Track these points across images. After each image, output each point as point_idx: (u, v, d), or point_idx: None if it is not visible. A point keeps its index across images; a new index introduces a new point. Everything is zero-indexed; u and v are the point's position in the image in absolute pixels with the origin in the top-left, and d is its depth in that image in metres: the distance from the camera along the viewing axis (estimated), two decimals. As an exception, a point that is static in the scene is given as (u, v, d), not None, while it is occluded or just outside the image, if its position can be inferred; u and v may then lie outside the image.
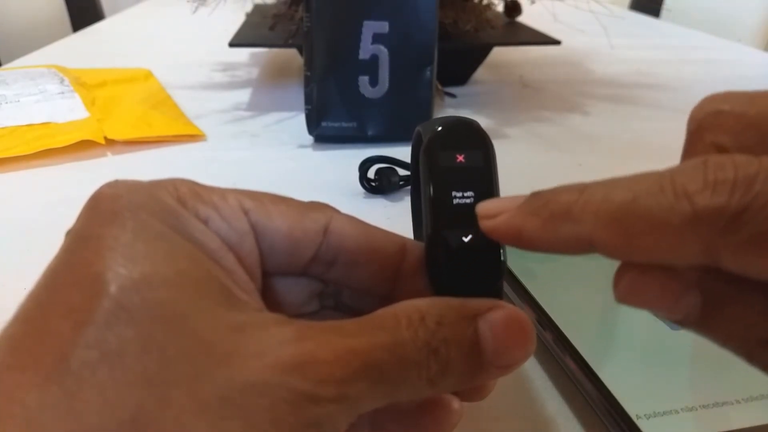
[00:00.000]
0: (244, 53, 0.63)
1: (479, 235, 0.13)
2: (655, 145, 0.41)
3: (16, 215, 0.31)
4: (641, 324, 0.21)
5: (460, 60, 0.52)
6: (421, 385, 0.12)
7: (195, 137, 0.40)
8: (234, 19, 0.57)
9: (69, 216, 0.12)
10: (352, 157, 0.36)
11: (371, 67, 0.37)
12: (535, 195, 0.12)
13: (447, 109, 0.47)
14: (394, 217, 0.31)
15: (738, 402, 0.17)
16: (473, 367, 0.12)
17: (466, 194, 0.14)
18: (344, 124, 0.38)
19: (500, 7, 0.59)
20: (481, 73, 0.55)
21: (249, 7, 0.61)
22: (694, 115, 0.13)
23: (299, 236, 0.14)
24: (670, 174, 0.10)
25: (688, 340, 0.20)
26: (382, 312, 0.12)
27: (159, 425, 0.10)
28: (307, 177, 0.36)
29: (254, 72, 0.57)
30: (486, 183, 0.14)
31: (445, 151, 0.14)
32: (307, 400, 0.10)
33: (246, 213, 0.13)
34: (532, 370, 0.21)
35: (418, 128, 0.15)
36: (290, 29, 0.47)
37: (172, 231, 0.12)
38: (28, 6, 0.95)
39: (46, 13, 0.97)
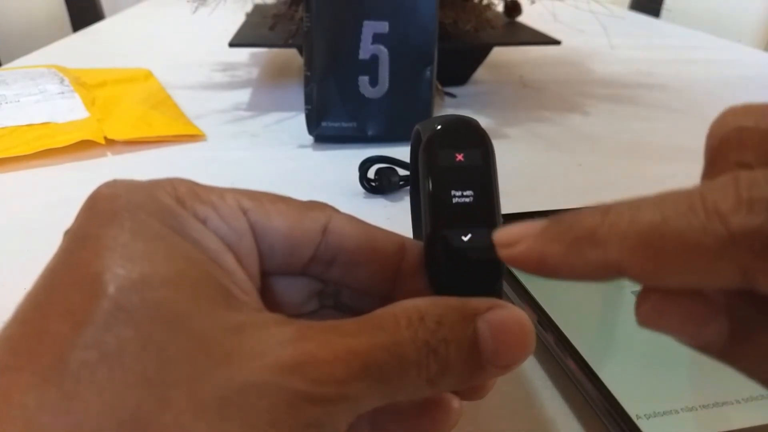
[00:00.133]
0: (244, 53, 0.63)
1: (478, 235, 0.13)
2: (654, 145, 0.41)
3: (16, 215, 0.31)
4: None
5: (460, 60, 0.52)
6: (420, 384, 0.12)
7: (195, 137, 0.40)
8: (234, 19, 0.57)
9: (69, 216, 0.12)
10: (352, 157, 0.36)
11: (371, 67, 0.37)
12: (556, 220, 0.11)
13: (447, 109, 0.47)
14: (394, 217, 0.31)
15: (738, 402, 0.17)
16: (473, 366, 0.12)
17: (465, 193, 0.14)
18: (344, 124, 0.38)
19: (500, 7, 0.59)
20: (481, 73, 0.55)
21: (249, 7, 0.61)
22: (714, 132, 0.12)
23: (298, 236, 0.14)
24: (700, 192, 0.09)
25: (688, 340, 0.20)
26: (381, 312, 0.12)
27: (158, 426, 0.09)
28: (307, 177, 0.36)
29: (254, 72, 0.57)
30: (485, 182, 0.14)
31: (444, 150, 0.14)
32: (306, 400, 0.10)
33: (245, 213, 0.13)
34: (532, 370, 0.21)
35: (417, 127, 0.15)
36: (290, 29, 0.47)
37: (170, 231, 0.12)
38: (28, 6, 0.95)
39: (46, 13, 0.97)
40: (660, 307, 0.10)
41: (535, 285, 0.23)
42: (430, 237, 0.14)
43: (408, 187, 0.33)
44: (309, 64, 0.37)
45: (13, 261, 0.26)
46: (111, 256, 0.11)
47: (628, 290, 0.23)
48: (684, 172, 0.37)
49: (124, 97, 0.46)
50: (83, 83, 0.46)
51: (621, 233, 0.10)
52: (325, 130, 0.39)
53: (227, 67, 0.58)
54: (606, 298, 0.23)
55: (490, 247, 0.13)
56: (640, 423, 0.17)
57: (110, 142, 0.38)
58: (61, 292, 0.11)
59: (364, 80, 0.38)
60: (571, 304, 0.22)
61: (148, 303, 0.10)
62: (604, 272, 0.10)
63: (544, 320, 0.21)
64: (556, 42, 0.51)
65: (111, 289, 0.10)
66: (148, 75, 0.52)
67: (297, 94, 0.48)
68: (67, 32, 0.86)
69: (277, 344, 0.11)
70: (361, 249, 0.14)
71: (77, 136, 0.37)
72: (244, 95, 0.50)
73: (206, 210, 0.13)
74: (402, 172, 0.33)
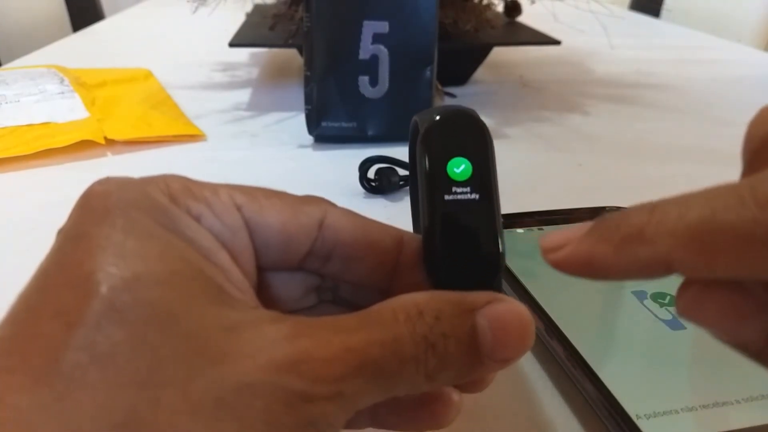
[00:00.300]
0: (244, 53, 0.63)
1: (477, 228, 0.13)
2: (655, 145, 0.41)
3: (16, 215, 0.31)
4: (641, 324, 0.21)
5: (460, 60, 0.52)
6: (419, 380, 0.12)
7: (195, 137, 0.40)
8: (234, 19, 0.57)
9: (69, 216, 0.12)
10: (352, 157, 0.36)
11: (371, 67, 0.37)
12: (602, 221, 0.11)
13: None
14: (394, 217, 0.31)
15: (738, 402, 0.17)
16: (472, 361, 0.12)
17: (463, 186, 0.13)
18: (344, 124, 0.38)
19: (500, 7, 0.59)
20: (481, 73, 0.55)
21: (249, 7, 0.61)
22: (754, 132, 0.12)
23: (294, 231, 0.14)
24: (750, 185, 0.10)
25: (688, 340, 0.20)
26: (379, 307, 0.12)
27: (151, 427, 0.09)
28: (307, 177, 0.35)
29: (254, 72, 0.57)
30: (484, 174, 0.14)
31: (442, 141, 0.14)
32: (302, 399, 0.10)
33: (239, 209, 0.13)
34: (532, 369, 0.21)
35: (415, 118, 0.15)
36: (290, 29, 0.47)
37: (163, 229, 0.12)
38: (28, 6, 0.95)
39: (46, 12, 0.97)
40: (700, 299, 0.11)
41: (535, 285, 0.23)
42: (428, 230, 0.13)
43: (408, 187, 0.33)
44: (309, 64, 0.37)
45: (12, 261, 0.26)
46: (103, 256, 0.11)
47: (628, 290, 0.23)
48: (684, 172, 0.37)
49: (124, 97, 0.46)
50: (83, 83, 0.46)
51: (670, 229, 0.10)
52: (325, 130, 0.39)
53: (227, 67, 0.58)
54: (606, 298, 0.23)
55: (489, 240, 0.13)
56: (640, 423, 0.17)
57: (110, 142, 0.38)
58: (53, 293, 0.11)
59: (364, 80, 0.38)
60: (571, 304, 0.22)
61: (140, 303, 0.10)
62: (654, 269, 0.10)
63: (543, 320, 0.21)
64: (556, 42, 0.51)
65: (103, 289, 0.10)
66: (148, 75, 0.52)
67: (297, 94, 0.48)
68: (67, 32, 0.86)
69: (272, 342, 0.11)
70: (358, 243, 0.14)
71: (77, 136, 0.37)
72: (244, 95, 0.50)
73: (200, 207, 0.13)
74: (402, 172, 0.33)
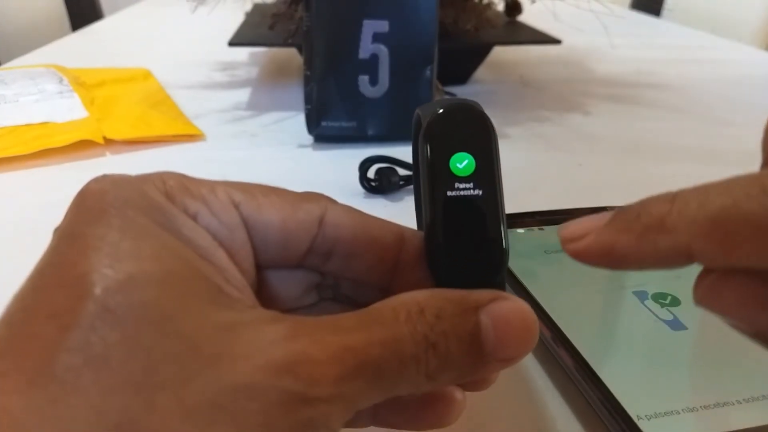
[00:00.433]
0: (243, 53, 0.62)
1: (481, 224, 0.13)
2: (656, 145, 0.41)
3: (15, 216, 0.30)
4: (642, 324, 0.21)
5: (461, 59, 0.52)
6: (420, 379, 0.11)
7: (194, 137, 0.40)
8: (233, 19, 0.57)
9: (68, 217, 0.12)
10: (351, 156, 0.36)
11: (371, 66, 0.37)
12: (622, 211, 0.11)
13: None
14: (395, 217, 0.31)
15: (739, 402, 0.17)
16: (474, 360, 0.12)
17: (467, 181, 0.13)
18: (344, 124, 0.38)
19: (500, 7, 0.59)
20: (481, 72, 0.55)
21: (248, 7, 0.61)
22: None
23: (293, 228, 0.13)
24: None
25: (689, 340, 0.20)
26: (380, 305, 0.12)
27: (145, 431, 0.09)
28: (307, 177, 0.35)
29: (254, 71, 0.57)
30: (488, 169, 0.13)
31: (445, 136, 0.13)
32: (299, 401, 0.10)
33: (236, 206, 0.13)
34: (533, 370, 0.21)
35: (418, 111, 0.15)
36: (290, 28, 0.47)
37: (159, 228, 0.12)
38: (27, 5, 0.95)
39: (45, 12, 0.97)
40: (719, 287, 0.11)
41: (536, 285, 0.23)
42: (430, 227, 0.13)
43: (408, 187, 0.33)
44: (309, 63, 0.37)
45: (10, 261, 0.26)
46: (97, 256, 0.11)
47: (629, 291, 0.23)
48: (685, 171, 0.37)
49: (123, 96, 0.45)
50: (82, 83, 0.46)
51: (691, 218, 0.10)
52: (324, 130, 0.38)
53: (226, 67, 0.58)
54: (607, 298, 0.23)
55: (493, 237, 0.13)
56: (641, 424, 0.16)
57: (109, 142, 0.38)
58: (47, 294, 0.10)
59: (364, 80, 0.38)
60: (572, 304, 0.22)
61: (134, 304, 0.10)
62: (675, 258, 0.11)
63: (544, 320, 0.21)
64: (557, 41, 0.51)
65: (97, 290, 0.10)
66: (147, 74, 0.52)
67: (296, 93, 0.47)
68: (66, 32, 0.86)
69: (269, 343, 0.11)
70: (359, 240, 0.14)
71: (76, 135, 0.37)
72: (243, 95, 0.50)
73: (196, 205, 0.13)
74: (402, 171, 0.33)
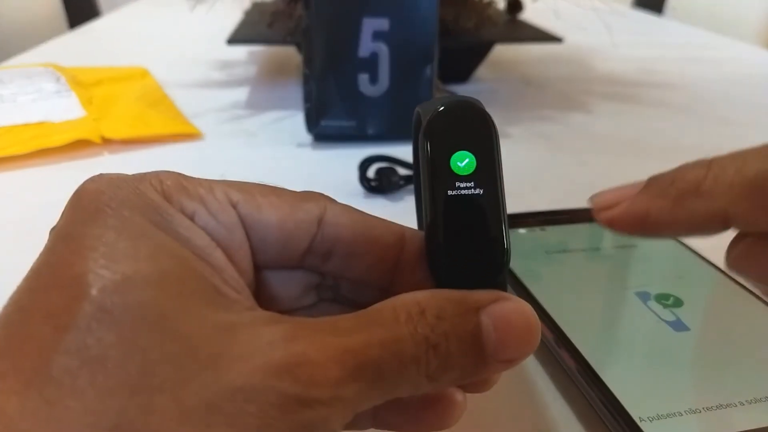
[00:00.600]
0: (242, 51, 0.62)
1: (482, 224, 0.13)
2: (658, 144, 0.41)
3: (12, 216, 0.30)
4: (644, 326, 0.21)
5: (462, 58, 0.52)
6: (420, 381, 0.11)
7: (192, 136, 0.40)
8: (232, 18, 0.56)
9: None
10: (351, 156, 0.35)
11: (371, 64, 0.37)
12: (656, 178, 0.12)
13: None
14: (395, 217, 0.30)
15: (742, 404, 0.17)
16: (475, 361, 0.12)
17: (468, 180, 0.13)
18: (344, 123, 0.38)
19: (501, 5, 0.59)
20: (482, 71, 0.55)
21: (247, 5, 0.60)
22: None
23: (292, 228, 0.13)
24: None
25: (691, 341, 0.20)
26: (380, 306, 0.12)
27: None
28: (306, 177, 0.35)
29: (252, 70, 0.57)
30: (489, 167, 0.13)
31: (445, 134, 0.13)
32: (298, 403, 0.10)
33: (234, 206, 0.13)
34: (534, 371, 0.20)
35: (418, 109, 0.14)
36: (289, 27, 0.47)
37: (155, 228, 0.11)
38: (25, 4, 0.95)
39: (42, 10, 0.97)
40: (753, 252, 0.11)
41: (538, 287, 0.22)
42: (431, 226, 0.13)
43: (409, 187, 0.33)
44: (308, 61, 0.37)
45: (8, 261, 0.26)
46: (94, 257, 0.10)
47: (631, 291, 0.22)
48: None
49: (121, 95, 0.45)
50: (80, 82, 0.46)
51: (728, 183, 0.10)
52: (324, 129, 0.38)
53: (225, 66, 0.58)
54: (610, 299, 0.23)
55: (494, 236, 0.13)
56: (643, 425, 0.16)
57: (107, 141, 0.38)
58: (43, 295, 0.10)
59: (363, 78, 0.37)
60: (574, 305, 0.21)
61: (131, 305, 0.10)
62: (710, 223, 0.11)
63: (546, 322, 0.21)
64: (559, 40, 0.51)
65: (93, 291, 0.10)
66: (145, 73, 0.52)
67: (296, 92, 0.47)
68: (63, 30, 0.86)
69: (267, 345, 0.10)
70: (359, 239, 0.14)
71: (73, 135, 0.37)
72: (242, 94, 0.50)
73: (194, 205, 0.12)
74: (402, 171, 0.33)
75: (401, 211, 0.31)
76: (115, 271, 0.10)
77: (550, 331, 0.20)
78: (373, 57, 0.37)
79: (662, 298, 0.22)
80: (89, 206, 0.11)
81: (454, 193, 0.13)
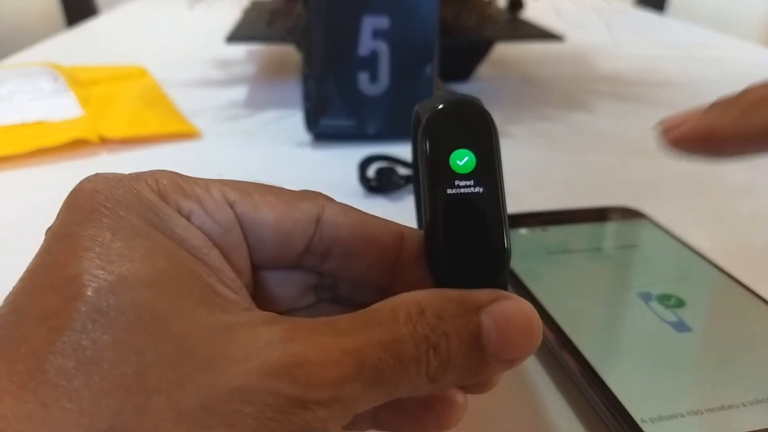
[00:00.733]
0: (241, 50, 0.62)
1: (482, 223, 0.13)
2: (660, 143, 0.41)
3: (10, 216, 0.30)
4: (646, 327, 0.21)
5: (462, 56, 0.51)
6: (420, 382, 0.11)
7: (191, 135, 0.40)
8: (230, 16, 0.56)
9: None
10: (351, 155, 0.35)
11: (371, 63, 0.37)
12: (720, 99, 0.12)
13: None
14: (395, 217, 0.30)
15: (744, 405, 0.17)
16: (476, 361, 0.12)
17: (467, 179, 0.13)
18: (343, 122, 0.38)
19: (502, 3, 0.59)
20: (483, 69, 0.54)
21: (246, 4, 0.60)
22: None
23: (289, 228, 0.13)
24: None
25: (693, 342, 0.20)
26: (379, 306, 0.12)
27: None
28: (305, 176, 0.35)
29: (251, 69, 0.57)
30: (489, 166, 0.13)
31: (444, 133, 0.13)
32: (295, 405, 0.10)
33: (231, 205, 0.13)
34: (535, 372, 0.20)
35: (417, 107, 0.14)
36: (288, 25, 0.47)
37: (151, 228, 0.11)
38: (22, 2, 0.94)
39: (39, 8, 0.97)
40: None
41: (539, 287, 0.22)
42: (430, 225, 0.13)
43: (409, 187, 0.33)
44: (307, 60, 0.37)
45: (6, 262, 0.26)
46: (89, 257, 0.10)
47: (633, 292, 0.22)
48: (690, 169, 0.36)
49: (119, 94, 0.45)
50: (78, 81, 0.45)
51: None
52: (323, 128, 0.38)
53: (223, 64, 0.58)
54: (611, 300, 0.22)
55: (494, 235, 0.13)
56: (644, 427, 0.16)
57: (105, 141, 0.37)
58: (38, 296, 0.10)
59: (363, 77, 0.37)
60: (575, 306, 0.21)
61: (126, 306, 0.10)
62: None
63: (547, 322, 0.21)
64: (560, 38, 0.50)
65: (89, 291, 0.10)
66: (143, 72, 0.52)
67: (295, 91, 0.47)
68: (61, 28, 0.86)
69: (264, 345, 0.10)
70: (357, 239, 0.14)
71: (71, 134, 0.36)
72: (240, 93, 0.49)
73: (190, 204, 0.12)
74: (402, 171, 0.33)
75: (401, 211, 0.31)
76: (111, 271, 0.10)
77: (551, 331, 0.20)
78: (373, 56, 0.37)
79: (664, 299, 0.22)
80: (85, 206, 0.11)
81: (454, 191, 0.13)
